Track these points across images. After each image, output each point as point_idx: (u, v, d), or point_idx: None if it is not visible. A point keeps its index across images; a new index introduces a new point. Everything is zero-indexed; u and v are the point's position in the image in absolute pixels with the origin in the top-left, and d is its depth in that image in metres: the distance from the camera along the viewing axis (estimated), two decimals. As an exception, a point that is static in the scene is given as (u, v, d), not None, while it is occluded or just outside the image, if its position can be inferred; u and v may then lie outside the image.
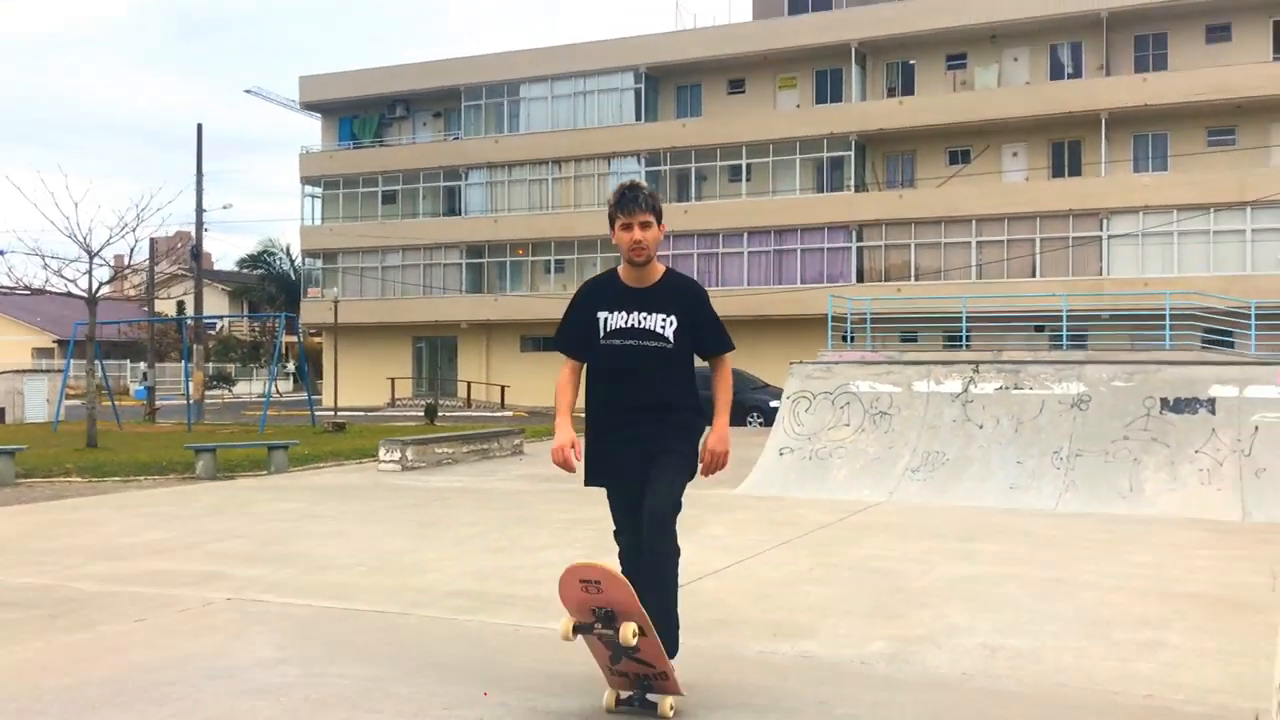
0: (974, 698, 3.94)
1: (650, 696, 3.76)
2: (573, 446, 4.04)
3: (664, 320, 4.14)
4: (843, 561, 6.90)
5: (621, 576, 3.67)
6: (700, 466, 4.09)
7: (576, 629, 3.65)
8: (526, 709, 3.82)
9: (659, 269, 4.23)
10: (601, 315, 4.18)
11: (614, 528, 4.24)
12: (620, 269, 4.24)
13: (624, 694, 3.81)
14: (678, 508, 4.00)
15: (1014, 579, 6.31)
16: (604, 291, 4.24)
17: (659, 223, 4.16)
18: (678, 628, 3.99)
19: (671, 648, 3.87)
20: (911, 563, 6.85)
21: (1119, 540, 7.81)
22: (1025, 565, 6.78)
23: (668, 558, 3.95)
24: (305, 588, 6.00)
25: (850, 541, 7.72)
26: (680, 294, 4.22)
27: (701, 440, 4.15)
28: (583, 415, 4.25)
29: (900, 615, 5.34)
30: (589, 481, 4.20)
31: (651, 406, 4.10)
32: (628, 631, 3.52)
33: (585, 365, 4.24)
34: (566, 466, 4.03)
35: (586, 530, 8.03)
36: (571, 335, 4.25)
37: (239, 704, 3.91)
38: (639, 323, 4.14)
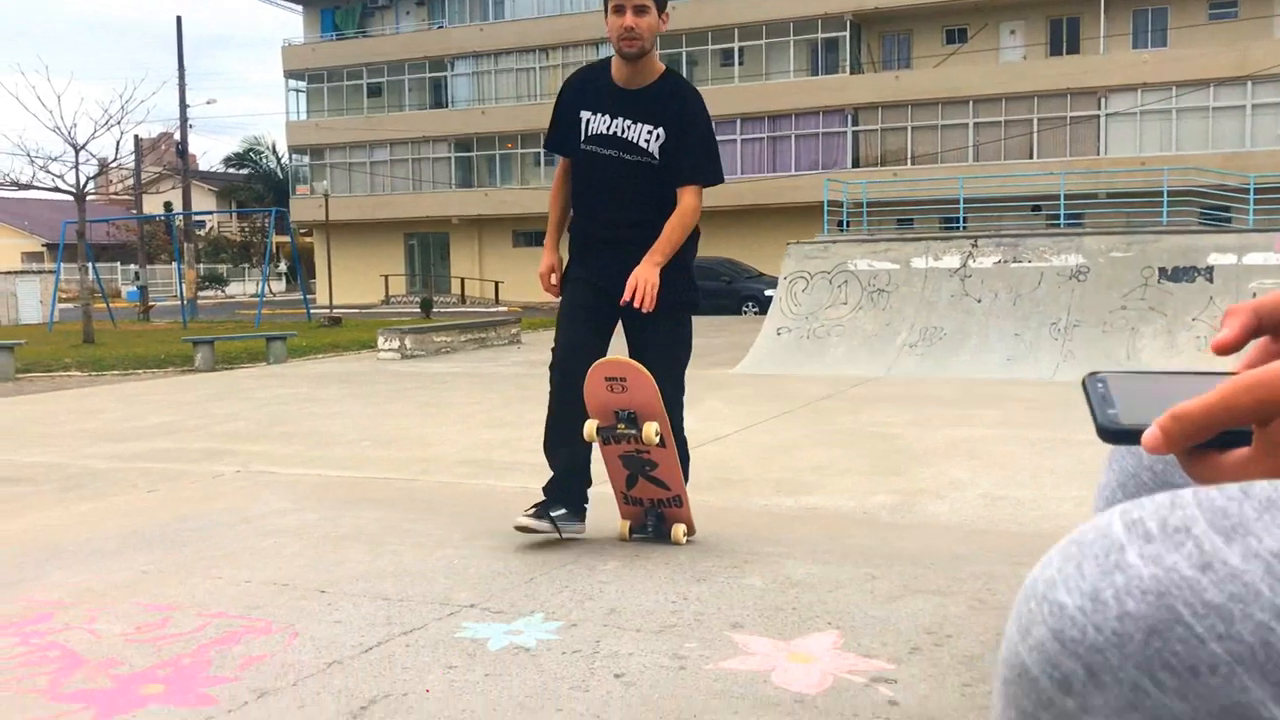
0: (976, 536, 4.02)
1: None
2: (553, 269, 3.89)
3: (649, 132, 3.69)
4: (842, 428, 6.98)
5: (647, 374, 3.62)
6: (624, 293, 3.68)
7: (599, 431, 3.67)
8: (545, 537, 3.87)
9: (657, 68, 3.76)
10: (584, 115, 3.77)
11: (555, 349, 3.85)
12: (613, 63, 3.76)
13: (637, 525, 3.88)
14: (679, 392, 3.84)
15: (1013, 440, 6.38)
16: (591, 87, 3.80)
17: (660, 11, 3.64)
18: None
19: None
20: (911, 427, 6.93)
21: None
22: (1024, 428, 6.86)
23: (674, 404, 3.80)
24: (312, 460, 6.06)
25: (849, 411, 7.79)
26: (673, 100, 3.72)
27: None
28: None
29: (902, 472, 5.42)
30: (561, 292, 3.93)
31: (633, 224, 3.76)
32: (650, 430, 3.58)
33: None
34: (549, 291, 3.93)
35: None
36: (555, 133, 3.92)
37: (261, 541, 4.01)
38: (621, 131, 3.70)
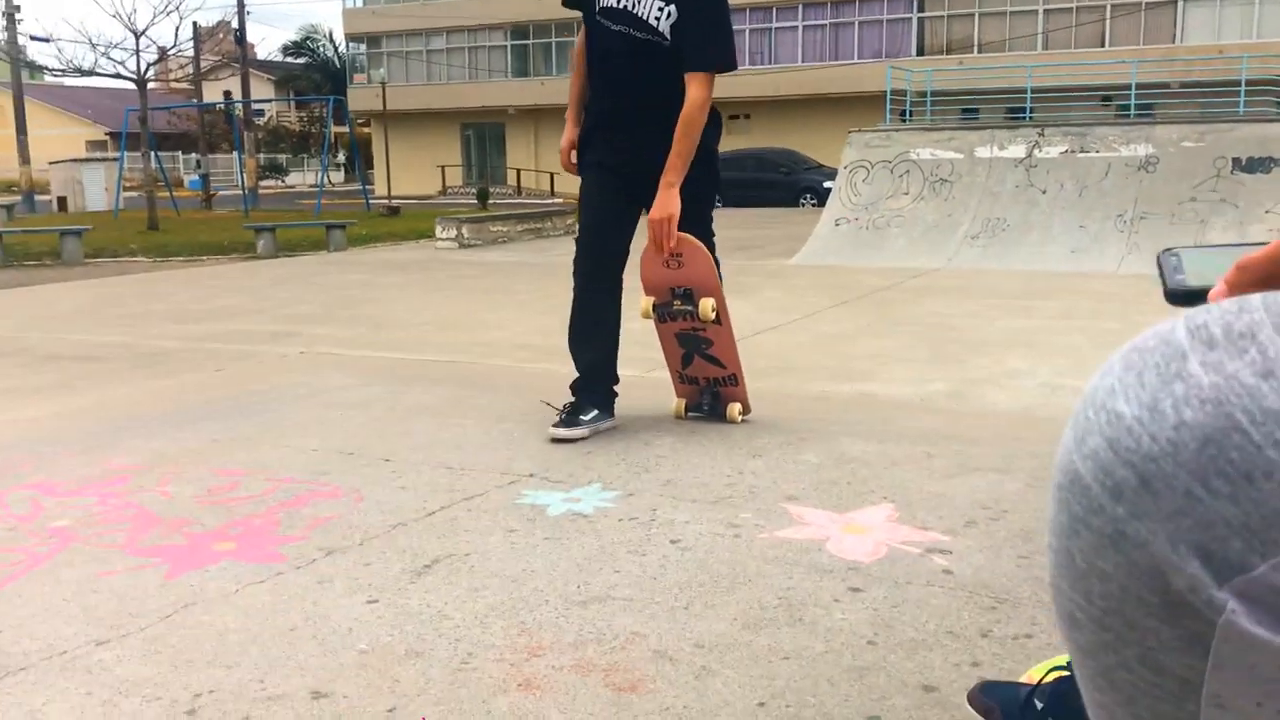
0: (1035, 422, 4.01)
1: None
2: (572, 146, 3.77)
3: (660, 9, 3.47)
4: (901, 318, 6.93)
5: (703, 248, 3.63)
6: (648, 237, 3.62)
7: (655, 308, 3.72)
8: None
9: None
10: None
11: (580, 235, 3.73)
12: None
13: (692, 403, 3.92)
14: (710, 237, 3.76)
15: (1076, 330, 6.30)
16: None
17: None
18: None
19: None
20: (971, 318, 6.86)
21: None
22: (1087, 319, 6.76)
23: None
24: (375, 343, 6.16)
25: (908, 302, 7.73)
26: None
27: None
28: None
29: (960, 361, 5.39)
30: (580, 170, 3.79)
31: (640, 108, 3.59)
32: (706, 306, 3.60)
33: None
34: (568, 169, 3.84)
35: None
36: None
37: (328, 413, 4.12)
38: (632, 5, 3.51)
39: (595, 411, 3.66)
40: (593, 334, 3.69)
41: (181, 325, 6.98)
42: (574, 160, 3.79)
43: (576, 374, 3.76)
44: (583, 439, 3.59)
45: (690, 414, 3.94)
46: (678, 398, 3.92)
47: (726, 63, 3.56)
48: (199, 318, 7.35)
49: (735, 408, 3.84)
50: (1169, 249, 0.69)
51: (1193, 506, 0.44)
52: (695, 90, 3.48)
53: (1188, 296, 0.63)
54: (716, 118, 3.70)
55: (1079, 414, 0.49)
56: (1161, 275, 0.67)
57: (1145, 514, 0.45)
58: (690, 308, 3.65)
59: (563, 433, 3.57)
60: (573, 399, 3.70)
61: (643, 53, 3.50)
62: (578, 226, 3.77)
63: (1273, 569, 0.42)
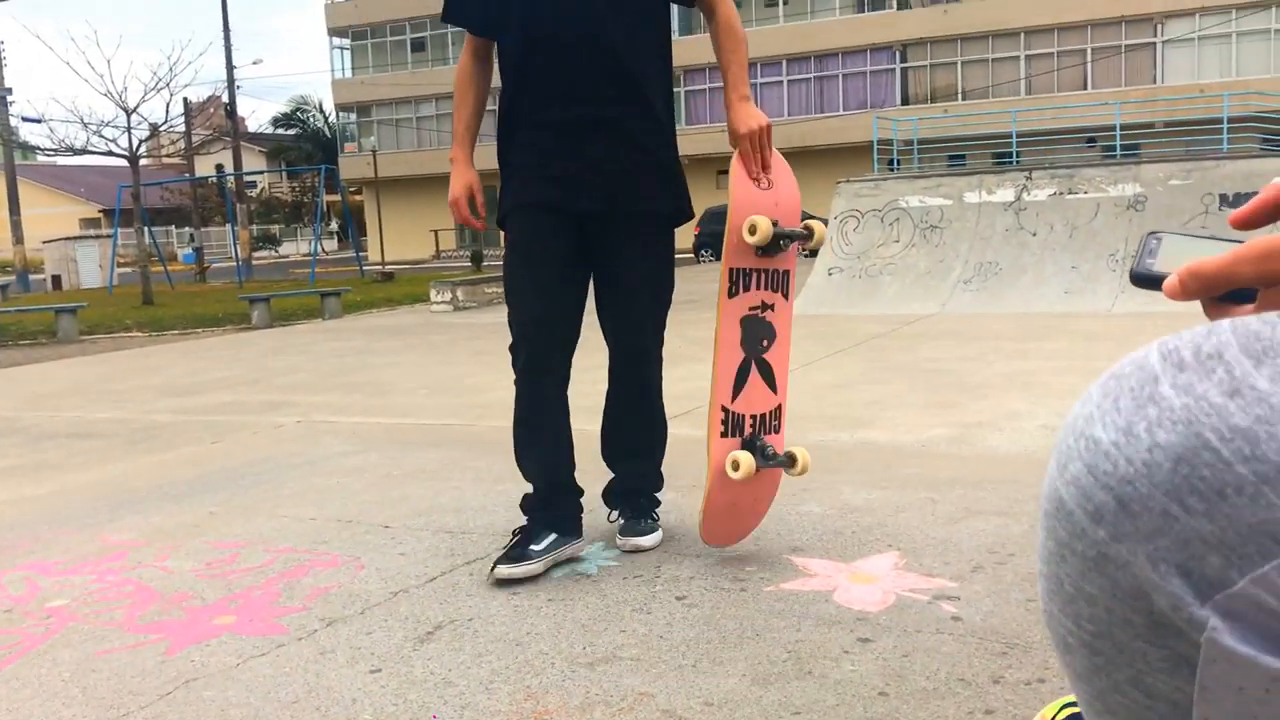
0: (1036, 465, 3.98)
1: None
2: (472, 193, 2.89)
3: None
4: (897, 364, 6.93)
5: (787, 166, 2.81)
6: (736, 163, 2.75)
7: (732, 273, 2.74)
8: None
9: None
10: None
11: (517, 324, 2.87)
12: None
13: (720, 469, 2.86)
14: (660, 341, 3.01)
15: (1072, 371, 6.30)
16: None
17: None
18: (661, 476, 3.19)
19: (657, 487, 3.17)
20: (968, 362, 6.86)
21: (1176, 333, 7.76)
22: (1083, 359, 6.77)
23: (651, 387, 3.04)
24: (372, 409, 6.14)
25: (904, 348, 7.73)
26: None
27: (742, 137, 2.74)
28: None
29: (959, 405, 5.37)
30: (502, 218, 2.91)
31: (626, 84, 2.74)
32: (820, 231, 2.77)
33: (496, 48, 2.89)
34: (466, 222, 2.90)
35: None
36: None
37: (325, 482, 4.09)
38: None
39: (552, 536, 2.84)
40: (543, 439, 2.92)
41: (177, 399, 6.96)
42: (474, 209, 2.93)
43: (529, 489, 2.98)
44: (538, 575, 2.80)
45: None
46: (713, 461, 2.77)
47: None
48: (194, 390, 7.34)
49: (803, 454, 2.82)
50: (1154, 231, 0.72)
51: (1170, 525, 0.45)
52: (726, 7, 2.86)
53: (1147, 280, 0.67)
54: (665, 123, 2.88)
55: (1061, 442, 0.51)
56: (1137, 254, 0.70)
57: (1125, 535, 0.46)
58: (779, 253, 2.72)
59: (509, 571, 2.75)
60: (524, 524, 2.91)
61: (608, 14, 2.69)
62: (506, 296, 2.89)
63: (1252, 583, 0.43)
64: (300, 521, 3.51)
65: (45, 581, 3.02)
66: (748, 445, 2.76)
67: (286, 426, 5.65)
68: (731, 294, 2.70)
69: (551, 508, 2.89)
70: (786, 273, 2.79)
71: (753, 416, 2.80)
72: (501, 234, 2.92)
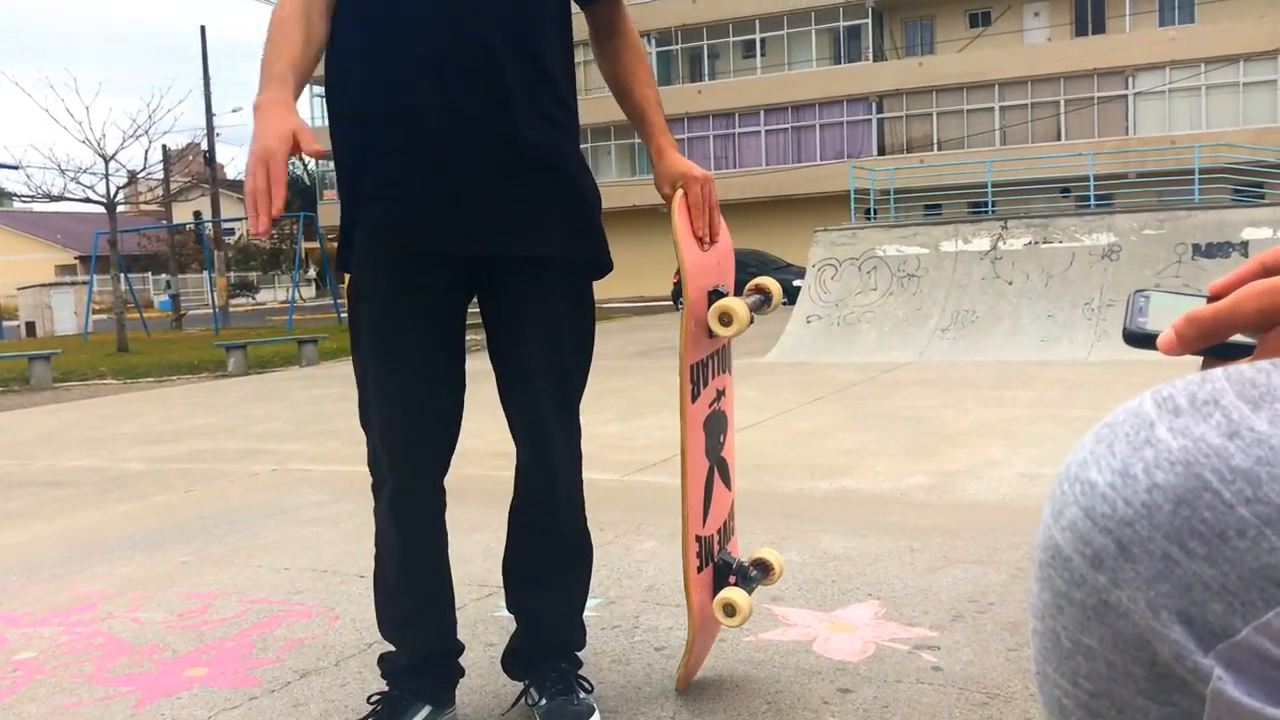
0: (1014, 512, 3.99)
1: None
2: (295, 142, 1.81)
3: None
4: (876, 412, 6.94)
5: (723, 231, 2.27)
6: (685, 207, 2.16)
7: (692, 368, 2.18)
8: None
9: None
10: None
11: (379, 436, 2.16)
12: None
13: (706, 614, 2.33)
14: (578, 429, 2.23)
15: (1049, 419, 6.33)
16: None
17: None
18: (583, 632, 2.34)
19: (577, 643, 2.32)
20: (945, 410, 6.88)
21: (1154, 381, 7.78)
22: (1060, 407, 6.80)
23: (564, 488, 2.23)
24: (349, 458, 6.09)
25: (882, 396, 7.75)
26: None
27: (675, 185, 2.18)
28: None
29: (937, 454, 5.38)
30: (352, 259, 2.05)
31: (516, 109, 1.98)
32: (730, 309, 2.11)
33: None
34: (260, 198, 1.75)
35: (617, 399, 8.09)
36: None
37: (299, 531, 4.04)
38: None
39: (426, 710, 2.19)
40: (419, 598, 2.24)
41: (150, 447, 6.89)
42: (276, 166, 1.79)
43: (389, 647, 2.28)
44: None
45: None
46: (693, 606, 2.23)
47: None
48: (168, 439, 7.27)
49: (775, 558, 2.43)
50: (1141, 289, 0.72)
51: (1171, 569, 0.44)
52: (630, 21, 2.26)
53: (1141, 339, 0.67)
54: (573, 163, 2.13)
55: (1055, 489, 0.50)
56: (1126, 313, 0.71)
57: (1126, 581, 0.45)
58: (728, 329, 2.12)
59: None
60: (383, 691, 2.24)
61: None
62: (358, 375, 2.14)
63: (1256, 632, 0.42)
64: (274, 571, 3.47)
65: (13, 633, 2.97)
66: (722, 570, 2.30)
67: (262, 475, 5.60)
68: (695, 397, 2.18)
69: (425, 674, 2.21)
70: (728, 343, 2.35)
71: (719, 530, 2.35)
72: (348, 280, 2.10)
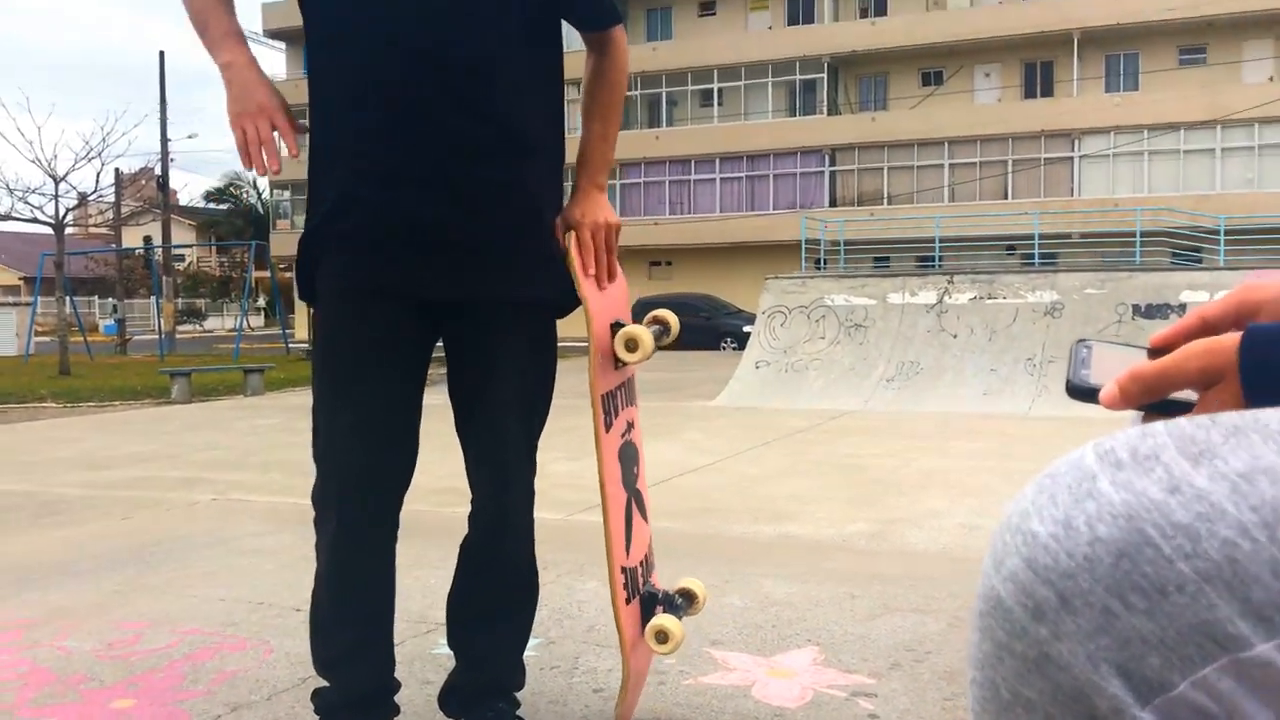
0: (953, 561, 4.03)
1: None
2: (272, 114, 1.95)
3: None
4: (821, 459, 6.99)
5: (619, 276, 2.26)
6: (574, 251, 2.12)
7: (603, 398, 2.19)
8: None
9: None
10: None
11: (331, 472, 2.11)
12: None
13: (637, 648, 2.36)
14: (533, 469, 2.22)
15: (990, 471, 6.41)
16: None
17: None
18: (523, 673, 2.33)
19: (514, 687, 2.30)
20: (888, 459, 6.95)
21: (1094, 436, 7.93)
22: (1000, 459, 6.89)
23: (519, 530, 2.23)
24: (291, 489, 6.01)
25: (827, 443, 7.81)
26: None
27: (562, 228, 2.15)
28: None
29: (879, 501, 5.43)
30: (303, 294, 2.10)
31: (483, 145, 1.97)
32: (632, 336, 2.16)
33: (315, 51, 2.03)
34: (267, 141, 1.94)
35: (567, 438, 8.06)
36: None
37: (237, 561, 3.98)
38: None
39: None
40: (361, 635, 2.17)
41: (88, 472, 6.76)
42: (268, 138, 1.96)
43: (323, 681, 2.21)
44: None
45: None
46: (625, 638, 2.23)
47: (619, 14, 2.24)
48: (107, 464, 7.14)
49: (699, 586, 2.45)
50: (1084, 340, 0.73)
51: (1111, 623, 0.44)
52: (622, 51, 2.22)
53: (1084, 393, 0.67)
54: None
55: (996, 539, 0.50)
56: (1069, 365, 0.71)
57: (1066, 634, 0.45)
58: (634, 355, 2.17)
59: None
60: None
61: (475, 17, 1.96)
62: (315, 406, 2.09)
63: (1192, 687, 0.43)
64: (209, 602, 3.41)
65: (-66, 659, 2.89)
66: (649, 601, 2.30)
67: (201, 504, 5.52)
68: (608, 427, 2.18)
69: (360, 712, 2.16)
70: (632, 375, 2.36)
71: (641, 562, 2.33)
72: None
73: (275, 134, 1.96)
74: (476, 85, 1.95)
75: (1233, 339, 0.57)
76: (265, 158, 1.92)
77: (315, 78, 2.03)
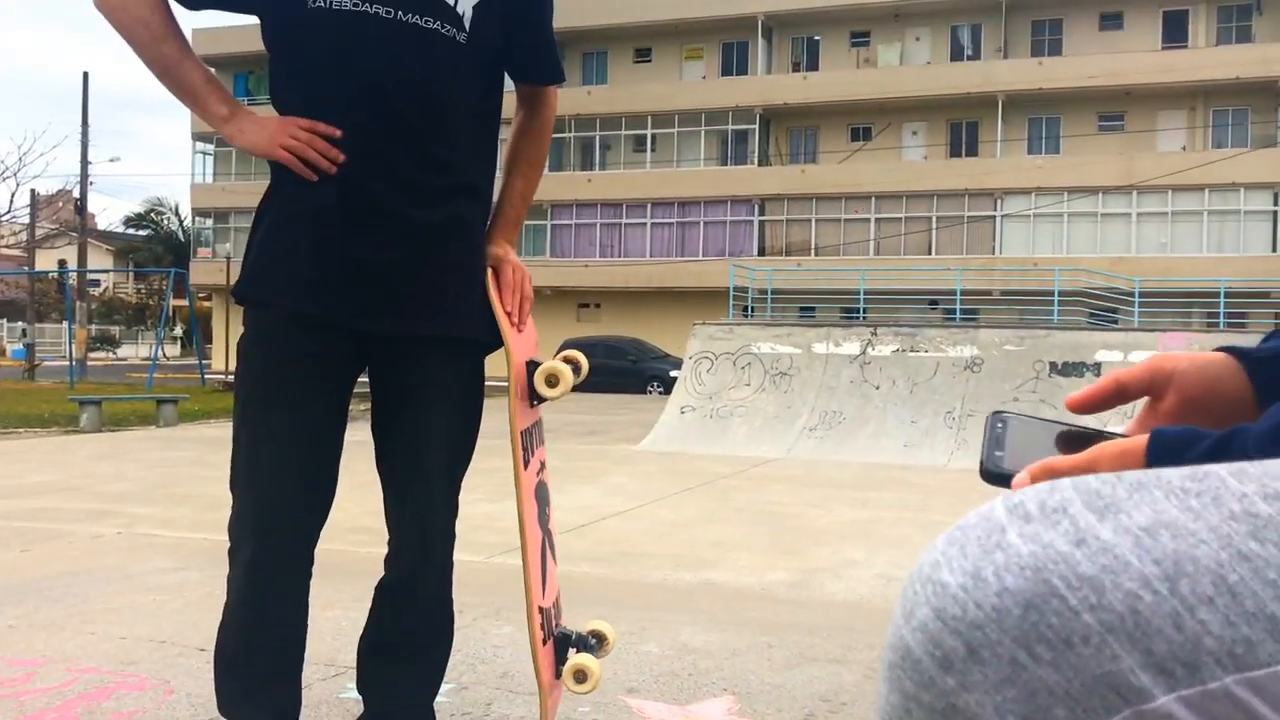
0: (871, 613, 4.04)
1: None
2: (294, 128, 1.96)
3: None
4: (743, 506, 7.00)
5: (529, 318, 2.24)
6: (501, 299, 2.12)
7: (522, 434, 2.19)
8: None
9: None
10: None
11: (249, 502, 2.09)
12: None
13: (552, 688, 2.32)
14: (455, 509, 2.17)
15: (908, 522, 6.47)
16: None
17: None
18: None
19: None
20: (810, 508, 6.98)
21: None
22: (919, 511, 6.96)
23: (438, 567, 2.17)
24: (200, 524, 5.86)
25: (750, 490, 7.83)
26: None
27: (486, 270, 2.13)
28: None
29: (800, 551, 5.44)
30: (241, 295, 2.07)
31: (427, 184, 1.99)
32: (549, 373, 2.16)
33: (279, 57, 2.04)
34: (310, 151, 1.94)
35: (486, 479, 7.97)
36: None
37: (141, 598, 3.85)
38: None
39: None
40: (258, 651, 2.12)
41: (-12, 501, 6.52)
42: (316, 142, 1.95)
43: None
44: None
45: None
46: (542, 680, 2.17)
47: (563, 72, 2.28)
48: (7, 494, 6.89)
49: (608, 629, 2.36)
50: (999, 412, 0.74)
51: (1018, 674, 0.45)
52: (553, 109, 2.26)
53: (997, 478, 0.69)
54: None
55: (906, 590, 0.51)
56: (984, 443, 0.71)
57: (974, 684, 0.45)
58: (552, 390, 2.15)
59: None
60: None
61: (438, 60, 1.98)
62: (235, 433, 2.09)
63: None
64: (108, 640, 3.29)
65: None
66: (562, 643, 2.26)
67: (106, 537, 5.34)
68: (526, 464, 2.14)
69: None
70: (540, 417, 2.33)
71: (554, 604, 2.30)
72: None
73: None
74: (425, 126, 1.98)
75: (1140, 444, 0.60)
76: (322, 153, 1.94)
77: (282, 103, 2.04)
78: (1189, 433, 0.60)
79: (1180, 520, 0.46)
